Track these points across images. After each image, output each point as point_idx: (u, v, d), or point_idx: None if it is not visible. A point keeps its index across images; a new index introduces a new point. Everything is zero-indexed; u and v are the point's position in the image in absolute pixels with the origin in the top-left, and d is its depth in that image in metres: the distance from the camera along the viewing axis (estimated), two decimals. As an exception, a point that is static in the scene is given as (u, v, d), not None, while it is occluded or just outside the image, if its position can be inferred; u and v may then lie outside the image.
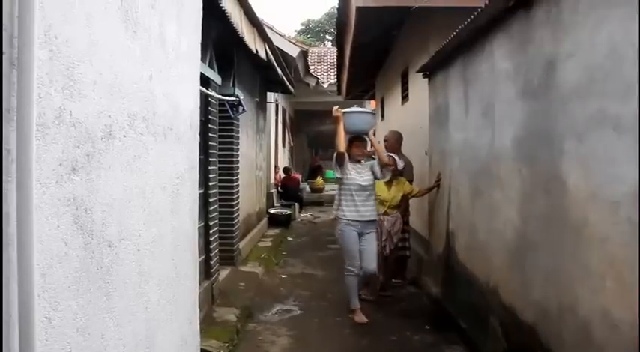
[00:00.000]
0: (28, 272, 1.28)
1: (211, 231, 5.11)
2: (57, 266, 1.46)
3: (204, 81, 4.57)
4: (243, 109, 6.02)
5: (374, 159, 5.53)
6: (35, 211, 1.31)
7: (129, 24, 1.96)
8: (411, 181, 6.15)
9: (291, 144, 19.73)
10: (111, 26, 1.81)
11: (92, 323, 1.67)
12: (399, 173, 5.85)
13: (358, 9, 6.70)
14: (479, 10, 3.78)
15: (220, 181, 5.71)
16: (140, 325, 2.11)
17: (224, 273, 5.96)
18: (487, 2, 3.61)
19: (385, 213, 5.73)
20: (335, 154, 5.23)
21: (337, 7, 7.91)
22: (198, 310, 3.10)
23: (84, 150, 1.61)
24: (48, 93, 1.39)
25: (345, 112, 5.21)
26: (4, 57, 1.22)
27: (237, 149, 6.67)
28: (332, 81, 17.44)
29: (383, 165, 5.20)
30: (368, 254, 5.17)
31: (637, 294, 2.09)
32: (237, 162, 6.66)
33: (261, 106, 9.50)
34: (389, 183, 5.81)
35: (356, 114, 5.34)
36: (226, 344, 4.18)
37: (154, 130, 2.24)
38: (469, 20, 4.00)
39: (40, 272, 1.36)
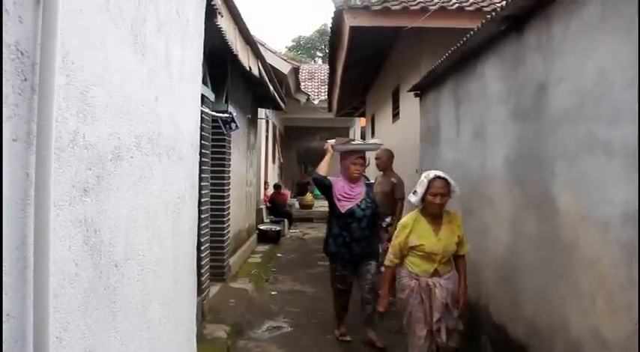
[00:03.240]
0: (43, 293, 1.30)
1: (202, 247, 5.10)
2: (68, 287, 1.48)
3: (199, 97, 4.59)
4: (237, 126, 5.98)
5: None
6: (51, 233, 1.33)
7: (137, 47, 1.99)
8: (402, 200, 5.81)
9: (281, 161, 19.72)
10: (122, 50, 1.85)
11: (99, 343, 1.68)
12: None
13: (352, 28, 6.77)
14: (471, 32, 3.87)
15: (212, 197, 5.70)
16: (143, 343, 2.12)
17: (214, 290, 5.94)
18: (480, 25, 3.70)
19: (435, 273, 3.42)
20: None
21: (331, 25, 7.98)
22: (195, 328, 3.10)
23: (95, 172, 1.63)
24: (64, 118, 1.43)
25: None
26: (26, 83, 1.25)
27: (229, 165, 6.68)
28: (322, 97, 17.53)
29: None
30: None
31: (637, 305, 2.14)
32: (229, 178, 6.67)
33: (253, 122, 9.53)
34: (435, 223, 3.47)
35: None
36: (218, 362, 4.17)
37: (159, 151, 2.27)
38: (462, 42, 4.08)
39: (53, 293, 1.37)
